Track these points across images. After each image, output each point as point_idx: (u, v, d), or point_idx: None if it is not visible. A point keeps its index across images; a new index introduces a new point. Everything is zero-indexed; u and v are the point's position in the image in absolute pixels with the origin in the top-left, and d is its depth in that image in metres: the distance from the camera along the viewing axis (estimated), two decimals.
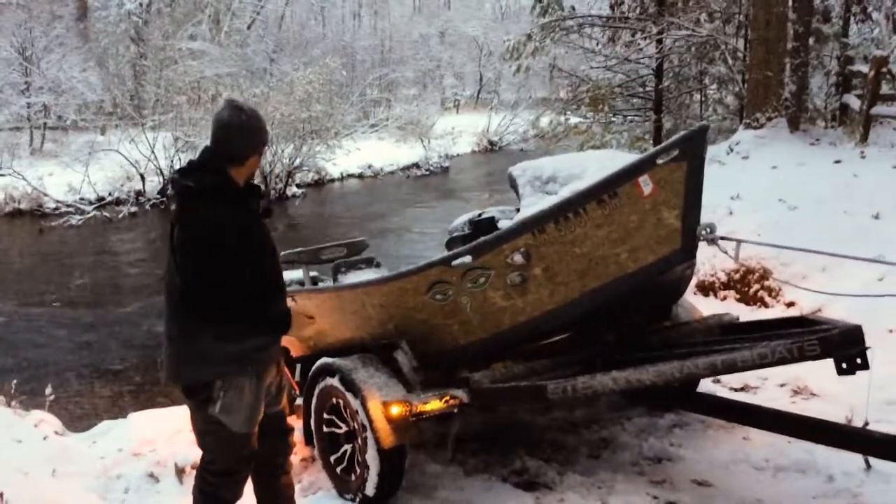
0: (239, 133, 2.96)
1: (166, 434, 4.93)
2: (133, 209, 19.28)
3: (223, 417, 2.99)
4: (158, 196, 20.18)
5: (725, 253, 3.80)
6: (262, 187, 3.27)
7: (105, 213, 18.67)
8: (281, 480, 3.36)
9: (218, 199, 2.90)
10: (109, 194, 19.74)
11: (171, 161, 20.72)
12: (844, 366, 3.15)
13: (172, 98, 21.99)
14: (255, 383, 3.04)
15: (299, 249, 5.58)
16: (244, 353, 2.97)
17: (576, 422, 4.78)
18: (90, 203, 19.13)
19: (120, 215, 18.68)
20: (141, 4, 28.24)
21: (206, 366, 2.96)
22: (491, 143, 33.73)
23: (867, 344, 3.25)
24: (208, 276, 2.82)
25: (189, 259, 2.87)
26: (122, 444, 4.87)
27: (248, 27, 32.67)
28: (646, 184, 3.60)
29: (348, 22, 44.50)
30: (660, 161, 3.57)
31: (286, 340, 4.54)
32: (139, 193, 20.06)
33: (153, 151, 20.36)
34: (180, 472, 4.34)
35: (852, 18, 12.82)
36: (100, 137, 22.69)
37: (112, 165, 20.36)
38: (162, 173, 20.60)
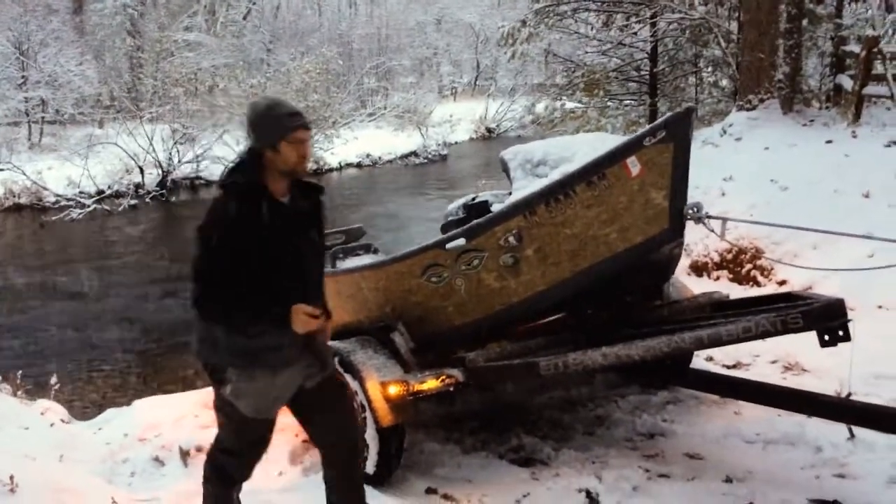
0: (251, 126, 2.97)
1: (171, 419, 5.01)
2: (133, 202, 19.34)
3: (234, 400, 3.01)
4: (158, 188, 20.25)
5: (713, 231, 3.89)
6: (320, 188, 3.19)
7: (105, 207, 18.74)
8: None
9: (234, 194, 2.91)
10: (109, 187, 19.78)
11: (170, 153, 20.79)
12: (827, 338, 3.24)
13: (169, 90, 22.04)
14: (269, 375, 3.01)
15: None
16: (253, 350, 2.94)
17: (572, 400, 4.87)
18: (90, 196, 19.17)
19: (120, 208, 18.75)
20: None
21: (218, 351, 2.98)
22: (489, 129, 33.76)
23: (849, 317, 3.35)
24: (200, 267, 2.87)
25: (192, 248, 2.92)
26: (128, 429, 4.96)
27: (244, 18, 32.65)
28: (634, 165, 3.68)
29: (344, 10, 44.40)
30: (647, 143, 3.65)
31: None
32: (138, 186, 20.11)
33: (151, 143, 20.40)
34: (185, 455, 4.43)
35: None
36: (98, 131, 22.70)
37: (111, 158, 20.39)
38: (160, 165, 20.67)
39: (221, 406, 3.10)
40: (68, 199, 18.82)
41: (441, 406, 4.31)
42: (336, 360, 3.99)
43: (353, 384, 3.89)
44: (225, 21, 30.36)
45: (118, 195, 19.55)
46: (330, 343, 4.09)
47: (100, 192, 19.52)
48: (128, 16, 27.66)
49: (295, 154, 2.93)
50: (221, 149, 21.63)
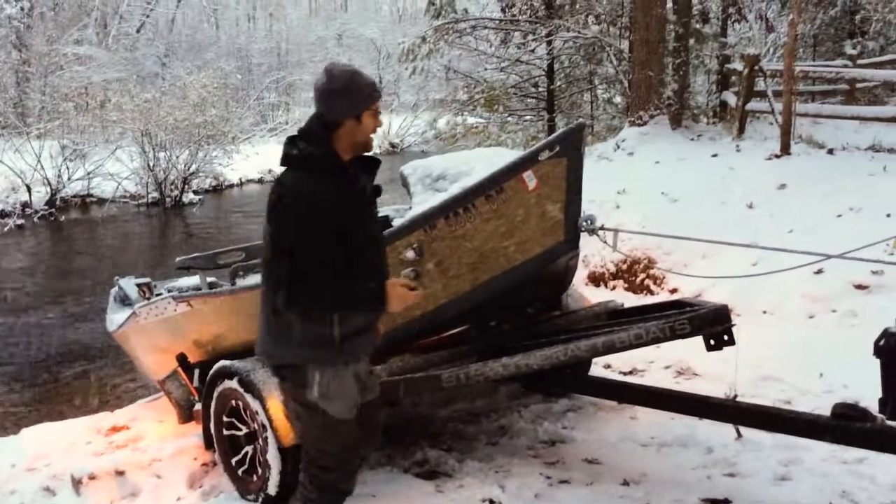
0: (324, 97, 2.82)
1: (61, 447, 4.81)
2: (19, 221, 18.43)
3: (323, 404, 2.79)
4: (46, 207, 19.39)
5: (606, 242, 4.03)
6: (380, 161, 3.00)
7: None
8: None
9: (312, 168, 2.75)
10: None
11: (59, 170, 19.96)
12: (713, 342, 3.40)
13: (59, 105, 21.21)
14: (351, 367, 2.84)
15: (195, 255, 5.54)
16: (339, 338, 2.76)
17: (476, 412, 4.92)
18: None
19: (5, 228, 17.82)
20: (22, 9, 27.00)
21: (296, 347, 2.78)
22: (392, 144, 33.82)
23: (734, 322, 3.53)
24: (287, 249, 2.67)
25: (269, 227, 2.75)
26: (15, 459, 4.72)
27: (138, 31, 31.77)
28: (530, 179, 3.79)
29: (243, 24, 43.77)
30: (542, 157, 3.77)
31: (183, 346, 4.56)
32: (25, 205, 19.18)
33: (39, 160, 19.54)
34: (77, 483, 4.25)
35: (729, 19, 13.55)
36: None
37: None
38: (49, 183, 19.81)
39: (306, 417, 2.86)
40: None
41: None
42: (236, 379, 3.94)
43: (254, 403, 3.82)
44: (117, 34, 29.49)
45: (3, 215, 18.58)
46: (230, 362, 4.04)
47: None
48: (13, 28, 26.44)
49: (373, 125, 2.84)
50: (114, 165, 20.92)
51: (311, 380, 2.78)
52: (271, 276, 2.76)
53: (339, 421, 2.83)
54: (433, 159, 4.75)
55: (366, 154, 2.93)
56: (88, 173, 20.67)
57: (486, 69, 15.59)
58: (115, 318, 5.27)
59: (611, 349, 3.47)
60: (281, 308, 2.73)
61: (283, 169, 2.84)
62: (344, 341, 2.78)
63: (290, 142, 2.84)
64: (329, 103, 2.80)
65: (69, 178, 20.36)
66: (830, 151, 8.41)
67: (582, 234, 3.96)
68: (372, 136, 2.87)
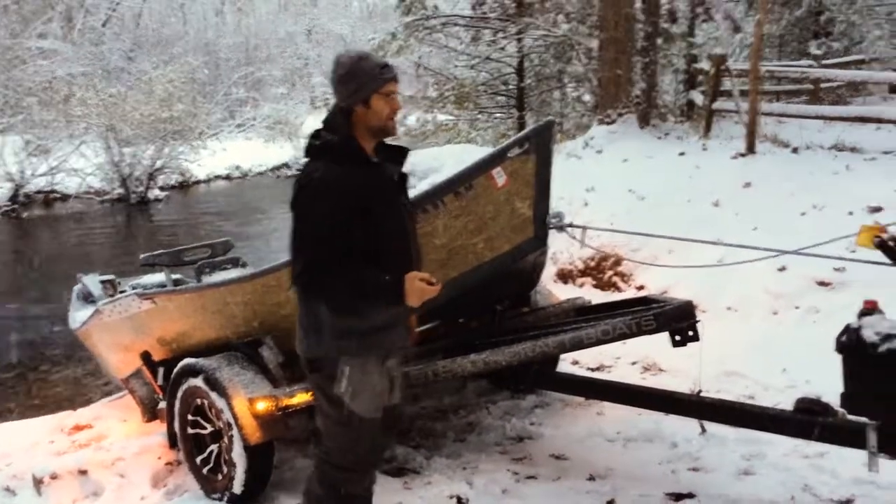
0: (334, 85, 2.77)
1: (23, 447, 4.74)
2: None
3: (348, 400, 2.73)
4: (9, 203, 19.07)
5: (575, 239, 4.05)
6: (407, 150, 2.95)
7: None
8: None
9: (333, 157, 2.70)
10: None
11: (22, 166, 19.62)
12: (678, 338, 3.43)
13: (22, 99, 20.85)
14: (380, 364, 2.78)
15: (160, 251, 5.48)
16: (365, 331, 2.72)
17: (444, 409, 4.92)
18: None
19: None
20: None
21: (326, 340, 2.74)
22: None
23: (699, 318, 3.57)
24: (306, 240, 2.64)
25: (293, 219, 2.70)
26: None
27: (104, 25, 31.32)
28: (499, 175, 3.79)
29: (211, 19, 43.26)
30: (511, 154, 3.77)
31: (147, 344, 4.50)
32: None
33: (1, 156, 19.21)
34: (38, 483, 4.18)
35: (697, 19, 13.69)
36: None
37: None
38: (12, 179, 19.48)
39: (330, 412, 2.79)
40: None
41: (312, 421, 4.25)
42: (201, 377, 3.89)
43: (220, 402, 3.79)
44: (82, 28, 29.04)
45: None
46: (194, 360, 4.00)
47: None
48: None
49: (388, 108, 2.75)
50: (78, 161, 20.61)
51: (340, 374, 2.72)
52: (294, 266, 2.71)
53: (362, 420, 2.76)
54: None
55: (392, 143, 2.89)
56: (52, 169, 20.38)
57: (456, 66, 15.59)
58: (78, 315, 5.20)
59: (578, 345, 3.50)
60: (299, 297, 2.72)
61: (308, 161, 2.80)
62: (372, 333, 2.73)
63: (315, 133, 2.81)
64: (338, 91, 2.77)
65: (32, 174, 20.05)
66: (795, 150, 8.52)
67: (551, 230, 3.97)
68: (390, 120, 2.78)
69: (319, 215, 2.63)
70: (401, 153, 2.90)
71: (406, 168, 2.96)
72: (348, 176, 2.66)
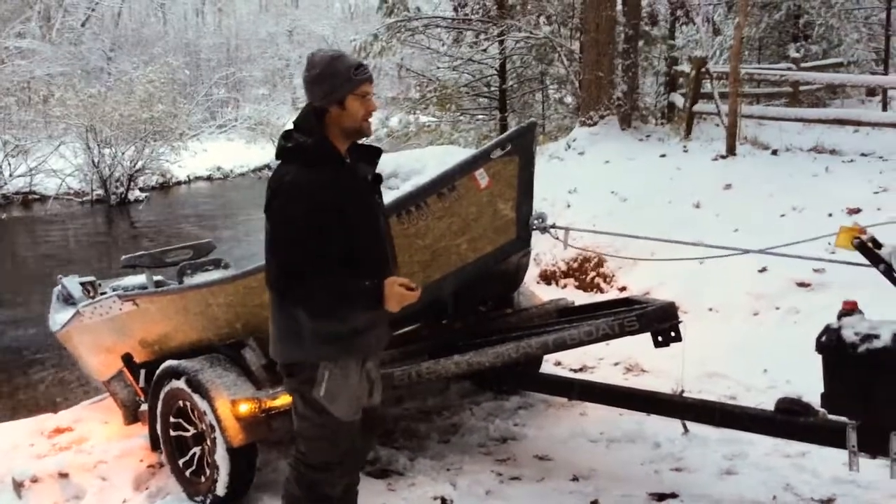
0: (306, 85, 2.73)
1: (2, 450, 4.68)
2: None
3: (327, 403, 2.71)
4: None
5: (558, 239, 4.06)
6: (381, 150, 2.94)
7: None
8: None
9: (305, 159, 2.66)
10: None
11: (0, 167, 19.42)
12: (660, 339, 3.45)
13: (0, 99, 20.62)
14: (360, 367, 2.77)
15: (141, 253, 5.44)
16: (344, 335, 2.69)
17: (428, 410, 4.92)
18: None
19: None
20: None
21: (305, 345, 2.70)
22: None
23: (681, 319, 3.59)
24: (281, 245, 2.62)
25: (267, 224, 2.68)
26: None
27: (83, 24, 31.06)
28: (482, 177, 3.80)
29: (191, 19, 43.08)
30: (494, 155, 3.77)
31: (129, 346, 4.47)
32: None
33: None
34: (19, 486, 4.14)
35: (678, 22, 13.79)
36: None
37: None
38: None
39: (308, 414, 2.77)
40: None
41: None
42: (183, 379, 3.87)
43: (202, 404, 3.76)
44: (61, 28, 28.78)
45: None
46: (177, 362, 3.97)
47: None
48: None
49: (363, 109, 2.72)
50: (58, 161, 20.43)
51: (320, 377, 2.70)
52: (269, 271, 2.69)
53: (340, 423, 2.75)
54: (385, 157, 4.74)
55: (365, 143, 2.86)
56: (31, 170, 20.17)
57: (438, 68, 15.60)
58: (59, 317, 5.15)
59: (561, 346, 3.51)
60: (276, 304, 2.69)
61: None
62: (352, 336, 2.71)
63: (286, 135, 2.77)
64: (311, 91, 2.73)
65: (11, 175, 19.84)
66: (774, 152, 8.60)
67: (533, 232, 3.98)
68: (365, 121, 2.76)
69: (293, 219, 2.60)
70: (374, 153, 2.88)
71: (386, 170, 2.94)
72: (321, 178, 2.63)
